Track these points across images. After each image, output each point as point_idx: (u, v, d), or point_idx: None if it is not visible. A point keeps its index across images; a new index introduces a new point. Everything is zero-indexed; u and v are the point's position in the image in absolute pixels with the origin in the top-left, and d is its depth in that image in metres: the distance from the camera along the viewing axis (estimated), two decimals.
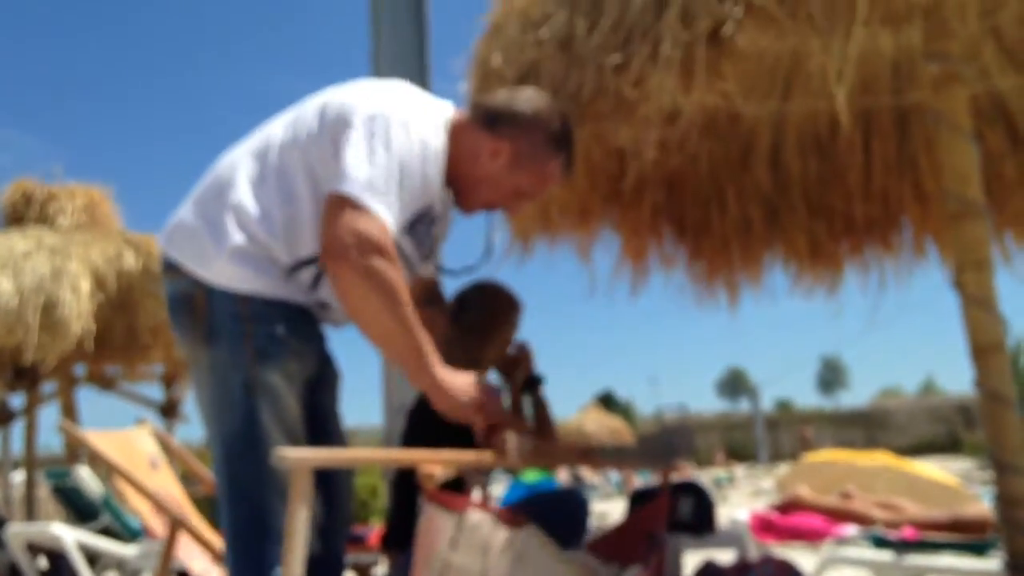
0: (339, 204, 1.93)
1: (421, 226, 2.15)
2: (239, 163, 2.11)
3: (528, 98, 2.27)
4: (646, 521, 2.47)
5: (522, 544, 2.02)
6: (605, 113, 2.48)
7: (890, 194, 4.18)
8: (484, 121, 2.22)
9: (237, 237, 2.00)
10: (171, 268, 2.09)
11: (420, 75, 5.05)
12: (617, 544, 2.48)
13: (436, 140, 2.10)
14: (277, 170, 2.07)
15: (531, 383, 3.14)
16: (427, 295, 2.58)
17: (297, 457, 1.70)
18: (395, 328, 1.95)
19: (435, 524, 1.89)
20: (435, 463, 2.01)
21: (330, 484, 2.19)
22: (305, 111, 2.13)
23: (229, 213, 2.03)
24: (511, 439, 2.00)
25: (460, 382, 2.04)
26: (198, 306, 2.03)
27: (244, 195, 2.04)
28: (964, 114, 2.78)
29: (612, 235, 4.28)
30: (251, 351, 1.99)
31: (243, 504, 1.96)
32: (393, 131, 2.01)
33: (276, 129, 2.15)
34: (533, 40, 2.69)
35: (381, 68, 5.05)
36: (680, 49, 2.25)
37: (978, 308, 2.72)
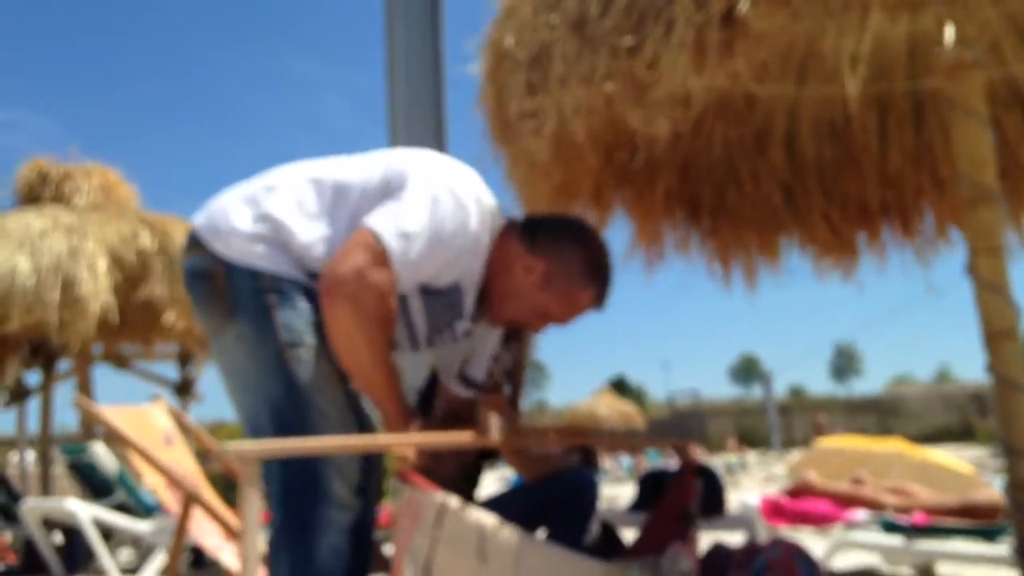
0: (370, 245, 1.97)
1: (442, 305, 2.20)
2: (292, 181, 2.16)
3: (573, 223, 2.31)
4: (673, 502, 2.48)
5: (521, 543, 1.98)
6: (617, 95, 2.47)
7: (906, 180, 4.16)
8: (526, 235, 2.24)
9: (263, 229, 2.07)
10: (196, 244, 2.13)
11: (434, 58, 5.05)
12: (651, 535, 2.49)
13: (482, 225, 2.14)
14: (329, 203, 2.12)
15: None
16: (454, 417, 2.56)
17: (243, 450, 1.70)
18: (371, 367, 2.03)
19: (415, 506, 1.86)
20: (411, 445, 2.01)
21: (367, 456, 2.22)
22: (374, 166, 2.18)
23: (264, 215, 2.08)
24: (494, 419, 1.99)
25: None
26: (217, 282, 2.07)
27: (285, 209, 2.09)
28: (979, 100, 2.76)
29: (625, 218, 4.27)
30: (276, 322, 2.02)
31: (292, 466, 1.98)
32: (443, 197, 2.06)
33: (340, 168, 2.19)
34: (546, 22, 2.69)
35: (395, 51, 5.05)
36: (693, 30, 2.24)
37: (992, 294, 2.72)
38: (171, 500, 3.99)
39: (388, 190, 2.09)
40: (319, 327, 2.04)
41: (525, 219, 2.33)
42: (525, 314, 2.28)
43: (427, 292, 2.17)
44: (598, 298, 2.28)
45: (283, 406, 2.02)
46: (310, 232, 2.07)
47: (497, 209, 2.25)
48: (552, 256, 2.21)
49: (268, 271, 2.04)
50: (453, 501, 1.85)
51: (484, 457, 3.03)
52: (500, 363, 3.06)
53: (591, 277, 2.25)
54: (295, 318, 2.03)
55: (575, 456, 3.25)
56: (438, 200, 2.05)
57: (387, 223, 1.99)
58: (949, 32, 2.36)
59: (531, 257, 2.21)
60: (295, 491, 2.00)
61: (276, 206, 2.09)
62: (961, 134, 2.78)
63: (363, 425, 2.15)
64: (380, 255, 1.96)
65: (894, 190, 4.20)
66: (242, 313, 2.05)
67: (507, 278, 2.23)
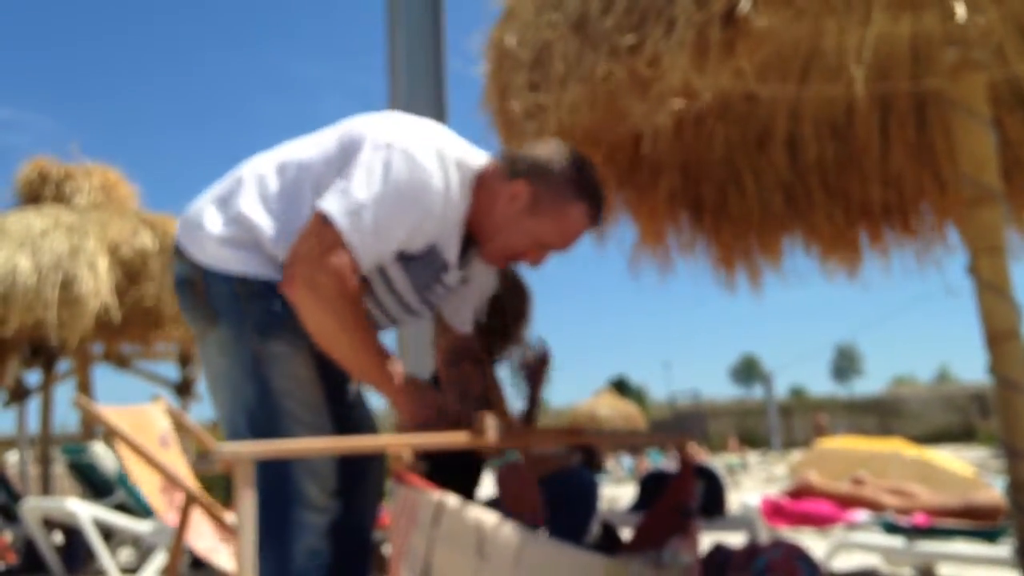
0: (320, 229, 1.94)
1: (421, 265, 2.16)
2: (258, 171, 2.15)
3: (550, 145, 2.24)
4: (674, 496, 2.48)
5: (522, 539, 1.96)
6: (618, 94, 2.47)
7: (908, 180, 4.15)
8: (507, 167, 2.20)
9: (233, 231, 2.07)
10: (178, 252, 2.15)
11: (435, 58, 5.04)
12: (649, 531, 2.48)
13: (447, 178, 2.08)
14: (293, 185, 2.10)
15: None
16: (461, 353, 2.54)
17: (234, 451, 1.68)
18: (351, 349, 1.99)
19: (412, 506, 1.84)
20: (405, 447, 2.00)
21: (362, 458, 2.21)
22: (330, 136, 2.16)
23: (234, 216, 2.08)
24: (489, 420, 1.98)
25: (411, 405, 2.06)
26: (197, 288, 2.08)
27: (252, 203, 2.08)
28: (982, 100, 2.76)
29: (628, 220, 4.26)
30: (253, 327, 2.02)
31: (266, 471, 1.98)
32: (396, 160, 2.00)
33: (300, 148, 2.17)
34: (548, 22, 2.68)
35: (396, 51, 5.04)
36: (694, 29, 2.24)
37: (993, 294, 2.71)
38: (162, 504, 3.98)
39: (346, 157, 2.05)
40: (295, 329, 2.02)
41: (503, 154, 2.27)
42: (521, 246, 2.21)
43: (404, 259, 2.12)
44: (592, 213, 2.20)
45: (256, 410, 2.02)
46: (276, 226, 2.06)
47: (469, 154, 2.19)
48: (535, 177, 2.15)
49: (243, 275, 2.04)
50: (451, 499, 1.83)
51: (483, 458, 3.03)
52: (524, 357, 3.07)
53: (579, 190, 2.16)
54: (271, 321, 2.03)
55: (577, 456, 3.24)
56: (390, 165, 1.99)
57: (336, 202, 1.95)
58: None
59: (514, 184, 2.15)
60: (268, 494, 1.99)
61: (244, 204, 2.07)
62: (963, 134, 2.77)
63: (346, 429, 2.15)
64: (332, 236, 1.92)
65: (896, 190, 4.20)
66: (222, 318, 2.06)
67: (495, 213, 2.17)
